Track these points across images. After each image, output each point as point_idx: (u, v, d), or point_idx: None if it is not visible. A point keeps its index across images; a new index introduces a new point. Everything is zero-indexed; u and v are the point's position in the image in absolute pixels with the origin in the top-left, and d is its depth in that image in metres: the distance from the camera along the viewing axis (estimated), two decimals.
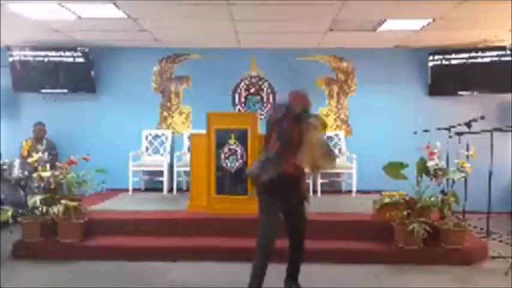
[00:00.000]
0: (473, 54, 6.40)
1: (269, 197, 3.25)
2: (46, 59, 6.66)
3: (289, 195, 3.31)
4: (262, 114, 6.66)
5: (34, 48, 6.63)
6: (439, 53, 6.54)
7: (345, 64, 6.87)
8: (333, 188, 6.52)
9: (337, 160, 6.56)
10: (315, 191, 6.31)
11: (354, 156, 6.28)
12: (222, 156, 5.02)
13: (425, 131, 5.45)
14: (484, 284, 3.89)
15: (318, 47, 6.61)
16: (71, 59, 6.66)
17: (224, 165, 5.02)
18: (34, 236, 4.58)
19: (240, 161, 5.01)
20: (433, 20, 5.08)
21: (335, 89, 6.90)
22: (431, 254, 4.39)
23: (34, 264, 4.27)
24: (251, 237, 4.65)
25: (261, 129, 5.29)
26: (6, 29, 5.57)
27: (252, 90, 6.89)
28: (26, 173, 5.61)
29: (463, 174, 4.69)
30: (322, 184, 6.32)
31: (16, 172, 5.69)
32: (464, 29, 5.59)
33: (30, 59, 6.66)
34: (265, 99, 6.90)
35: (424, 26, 5.37)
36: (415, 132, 5.54)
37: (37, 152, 5.16)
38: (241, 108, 6.87)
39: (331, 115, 6.91)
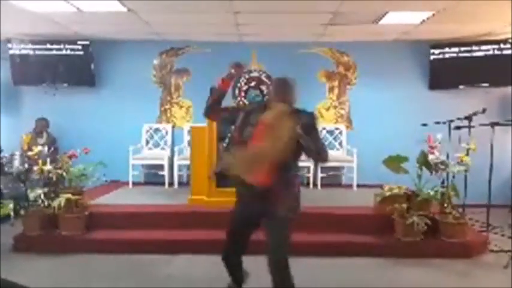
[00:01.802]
0: (474, 47, 6.37)
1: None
2: (46, 52, 6.64)
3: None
4: None
5: (34, 41, 6.60)
6: (440, 47, 6.51)
7: (345, 57, 6.84)
8: (333, 181, 6.53)
9: (338, 153, 6.64)
10: (315, 184, 6.33)
11: (355, 150, 6.28)
12: (223, 149, 5.02)
13: (426, 124, 5.43)
14: (484, 278, 3.90)
15: (319, 40, 6.58)
16: (70, 52, 6.64)
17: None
18: (35, 229, 4.60)
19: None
20: (435, 13, 5.04)
21: (336, 82, 6.88)
22: (431, 247, 4.41)
23: (35, 257, 4.29)
24: None
25: None
26: (6, 21, 5.55)
27: (253, 83, 6.87)
28: (26, 166, 5.62)
29: (464, 168, 4.69)
30: (322, 177, 6.33)
31: (16, 165, 5.71)
32: (465, 22, 5.56)
33: (30, 52, 6.64)
34: (265, 93, 6.88)
35: (425, 19, 5.34)
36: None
37: (37, 146, 5.16)
38: (241, 102, 6.85)
39: (331, 109, 6.90)
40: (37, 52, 6.64)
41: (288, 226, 2.74)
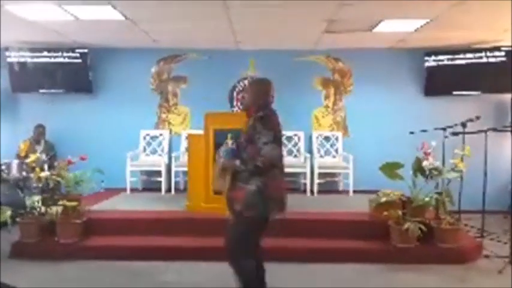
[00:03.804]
0: (469, 54, 6.45)
1: None
2: (44, 60, 6.68)
3: None
4: None
5: (32, 49, 6.65)
6: (435, 54, 6.59)
7: (341, 65, 6.91)
8: (329, 187, 6.56)
9: (334, 160, 6.68)
10: (312, 191, 6.36)
11: (351, 156, 6.32)
12: (218, 156, 5.03)
13: (423, 131, 5.46)
14: (478, 283, 3.93)
15: (315, 48, 6.64)
16: (68, 60, 6.68)
17: None
18: (32, 236, 4.60)
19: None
20: (430, 21, 5.11)
21: (332, 89, 6.94)
22: (426, 253, 4.43)
23: (32, 264, 4.29)
24: None
25: None
26: (4, 29, 5.59)
27: None
28: (23, 173, 5.64)
29: (458, 174, 4.73)
30: (319, 184, 6.36)
31: (14, 173, 5.72)
32: (460, 30, 5.63)
33: (28, 59, 6.68)
34: None
35: (420, 27, 5.41)
36: (412, 132, 5.56)
37: (35, 153, 5.18)
38: (238, 109, 6.90)
39: (327, 116, 6.95)
40: (35, 60, 6.68)
41: (242, 222, 2.88)
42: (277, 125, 2.93)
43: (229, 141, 5.01)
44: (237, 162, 2.91)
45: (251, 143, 2.83)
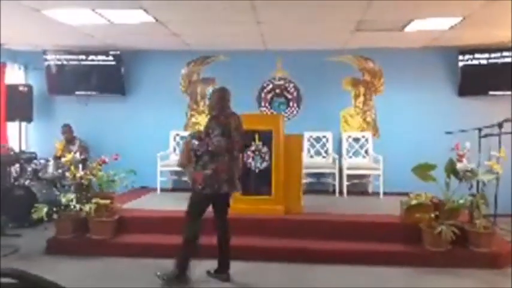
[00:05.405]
0: (504, 53, 6.23)
1: None
2: (79, 63, 6.92)
3: None
4: (287, 116, 6.72)
5: (68, 52, 6.89)
6: (469, 53, 6.39)
7: (371, 64, 6.80)
8: (359, 189, 6.47)
9: (364, 161, 6.59)
10: (341, 192, 6.29)
11: (381, 157, 6.21)
12: (247, 156, 5.07)
13: (462, 131, 5.30)
14: None
15: (345, 47, 6.57)
16: (102, 63, 6.89)
17: (249, 165, 5.07)
18: (67, 232, 4.76)
19: (265, 161, 5.06)
20: (462, 19, 4.97)
21: (361, 89, 6.84)
22: (458, 257, 4.31)
23: (66, 259, 4.44)
24: (275, 237, 4.70)
25: (286, 130, 5.33)
26: (42, 33, 5.83)
27: (277, 91, 6.92)
28: (59, 171, 5.85)
29: (494, 176, 4.57)
30: (348, 185, 6.29)
31: (50, 171, 5.94)
32: (494, 28, 5.44)
33: (65, 62, 6.93)
34: (290, 101, 6.92)
35: (453, 26, 5.27)
36: (450, 132, 5.37)
37: (69, 153, 5.36)
38: (266, 110, 6.91)
39: (357, 116, 6.86)
40: (71, 62, 6.93)
41: (197, 196, 3.83)
42: (227, 124, 3.77)
43: (258, 143, 5.05)
44: (195, 141, 3.89)
45: (207, 136, 3.74)
